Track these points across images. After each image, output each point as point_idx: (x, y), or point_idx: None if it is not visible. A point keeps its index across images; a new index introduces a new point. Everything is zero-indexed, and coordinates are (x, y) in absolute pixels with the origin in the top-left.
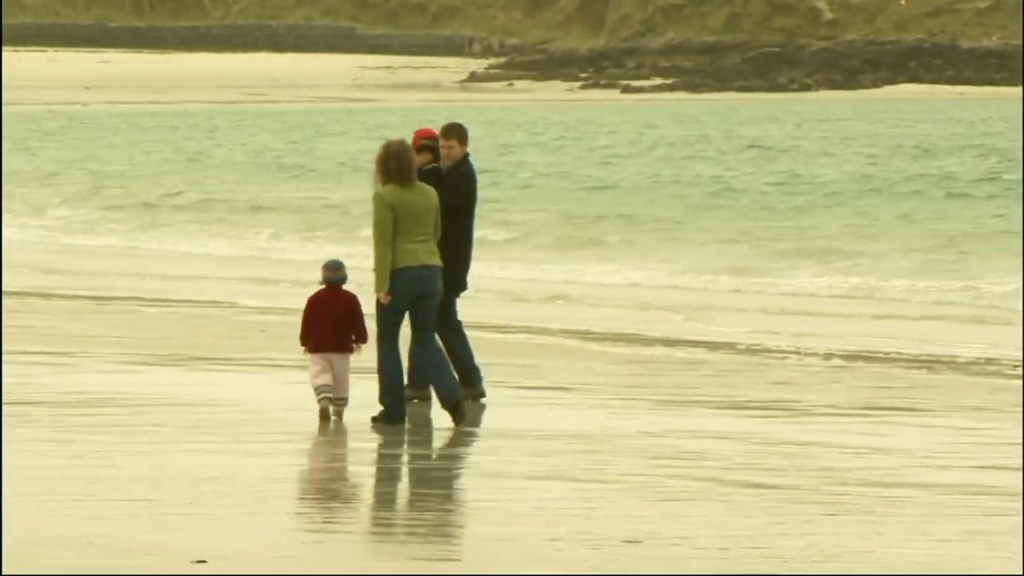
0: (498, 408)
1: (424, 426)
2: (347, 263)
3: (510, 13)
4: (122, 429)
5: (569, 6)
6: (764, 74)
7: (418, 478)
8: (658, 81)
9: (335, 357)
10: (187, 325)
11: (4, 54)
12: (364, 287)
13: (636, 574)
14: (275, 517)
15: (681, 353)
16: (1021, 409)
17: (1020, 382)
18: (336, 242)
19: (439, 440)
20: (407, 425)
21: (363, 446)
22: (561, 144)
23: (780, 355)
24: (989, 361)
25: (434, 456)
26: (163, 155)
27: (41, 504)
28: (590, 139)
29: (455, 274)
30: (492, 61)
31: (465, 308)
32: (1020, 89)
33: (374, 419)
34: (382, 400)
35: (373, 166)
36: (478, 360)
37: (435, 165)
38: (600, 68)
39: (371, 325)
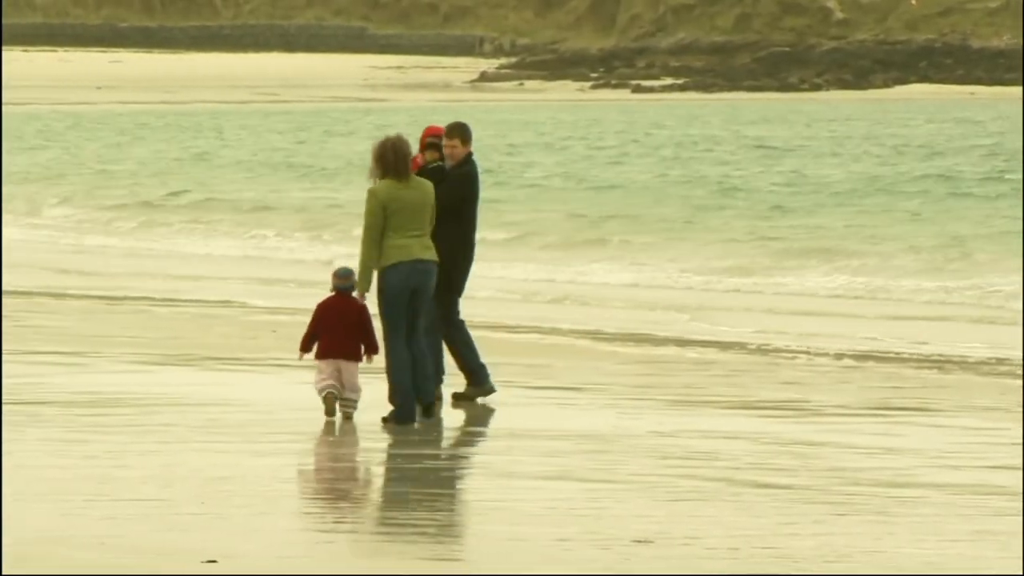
0: (508, 408)
1: (434, 426)
2: (352, 264)
3: (521, 13)
4: (133, 429)
5: (580, 6)
6: (774, 74)
7: (428, 478)
8: (669, 81)
9: (344, 364)
10: (198, 325)
11: (15, 54)
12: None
13: (646, 574)
14: (285, 517)
15: (691, 353)
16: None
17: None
18: (342, 243)
19: (449, 440)
20: (417, 425)
21: (373, 446)
22: (568, 144)
23: (790, 355)
24: (1000, 361)
25: (444, 456)
26: (172, 154)
27: (53, 504)
28: (596, 139)
29: (453, 275)
30: (503, 61)
31: (475, 308)
32: None
33: (384, 419)
34: (391, 400)
35: (370, 159)
36: (487, 360)
37: (440, 163)
38: (611, 68)
39: (379, 325)
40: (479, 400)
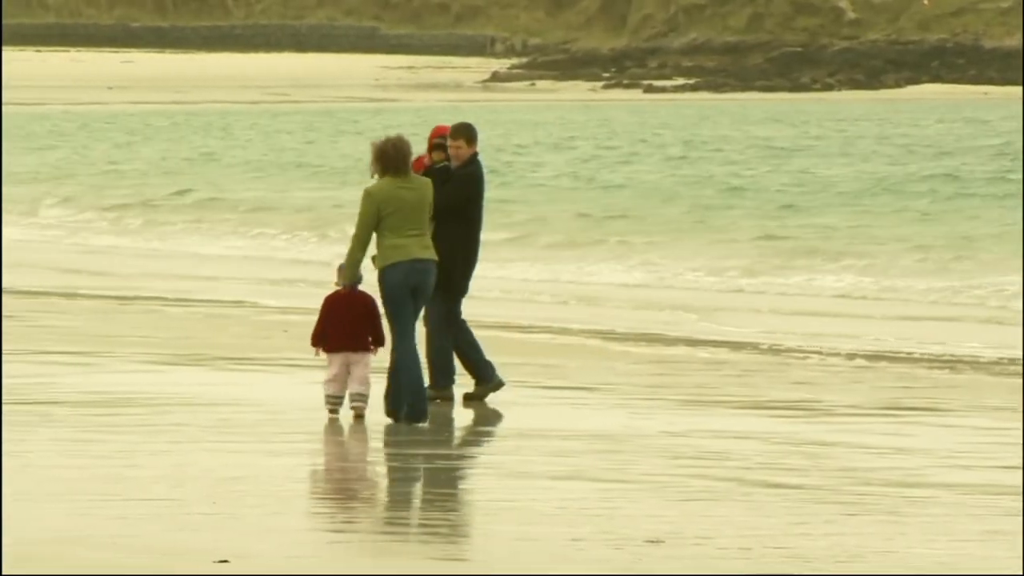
0: (520, 408)
1: (446, 426)
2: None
3: (532, 13)
4: (145, 429)
5: (591, 6)
6: (786, 74)
7: (439, 478)
8: (680, 81)
9: (353, 357)
10: (209, 325)
11: (28, 54)
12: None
13: (658, 574)
14: (297, 517)
15: (703, 353)
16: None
17: None
18: (346, 242)
19: (461, 440)
20: (428, 424)
21: (384, 446)
22: (575, 144)
23: (801, 355)
24: (1012, 361)
25: (455, 456)
26: (182, 154)
27: (64, 504)
28: (604, 139)
29: (453, 275)
30: (514, 61)
31: (485, 308)
32: None
33: (397, 419)
34: (386, 399)
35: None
36: (501, 360)
37: (447, 164)
38: (622, 68)
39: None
40: (490, 397)
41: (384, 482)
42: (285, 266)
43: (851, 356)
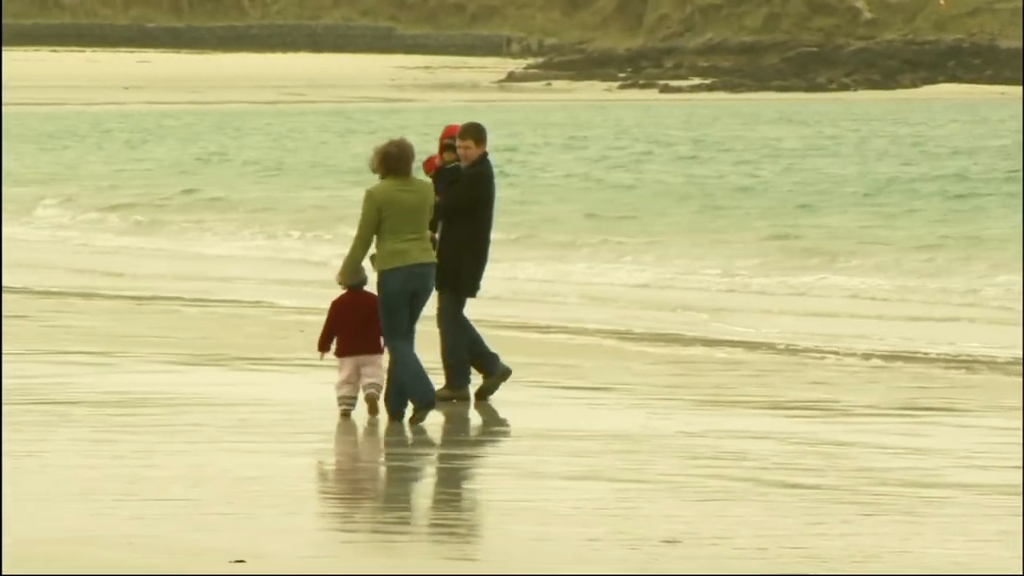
0: (536, 408)
1: (461, 426)
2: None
3: (548, 13)
4: (162, 429)
5: (607, 6)
6: (803, 74)
7: (455, 477)
8: (696, 81)
9: (364, 359)
10: (226, 325)
11: (43, 54)
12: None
13: (674, 574)
14: (313, 517)
15: (719, 353)
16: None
17: None
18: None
19: (476, 440)
20: (444, 424)
21: (400, 446)
22: (585, 144)
23: (818, 355)
24: None
25: (471, 456)
26: (193, 154)
27: (82, 504)
28: (613, 139)
29: (459, 275)
30: (530, 61)
31: (500, 308)
32: None
33: (410, 420)
34: (386, 400)
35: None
36: (517, 360)
37: (458, 164)
38: (638, 68)
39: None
40: (505, 394)
41: (399, 482)
42: (298, 266)
43: (867, 356)
